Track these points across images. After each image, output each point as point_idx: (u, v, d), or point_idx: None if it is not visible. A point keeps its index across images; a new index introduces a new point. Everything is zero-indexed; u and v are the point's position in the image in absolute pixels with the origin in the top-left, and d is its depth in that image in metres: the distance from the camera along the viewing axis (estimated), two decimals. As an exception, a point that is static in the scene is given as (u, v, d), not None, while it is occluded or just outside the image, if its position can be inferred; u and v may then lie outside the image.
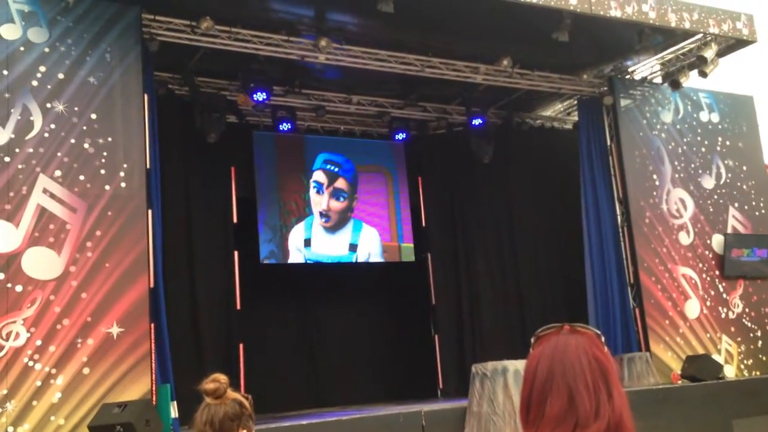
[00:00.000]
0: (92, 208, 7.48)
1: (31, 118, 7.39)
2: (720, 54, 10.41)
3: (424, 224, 12.47)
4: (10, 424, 6.72)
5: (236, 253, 10.51)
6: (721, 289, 11.24)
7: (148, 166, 7.97)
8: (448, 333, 12.12)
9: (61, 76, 7.60)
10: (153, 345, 7.59)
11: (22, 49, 7.47)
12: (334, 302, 11.95)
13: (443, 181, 12.55)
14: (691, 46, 10.63)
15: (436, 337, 12.15)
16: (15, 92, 7.35)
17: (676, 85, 10.84)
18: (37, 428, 6.82)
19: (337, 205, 11.72)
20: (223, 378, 2.51)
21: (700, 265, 11.14)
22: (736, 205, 11.76)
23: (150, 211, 7.90)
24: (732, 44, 10.48)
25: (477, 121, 11.69)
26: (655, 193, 11.00)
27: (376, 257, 11.90)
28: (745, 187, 11.93)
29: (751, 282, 11.51)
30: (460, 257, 12.37)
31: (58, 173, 7.40)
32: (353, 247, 11.70)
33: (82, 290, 7.27)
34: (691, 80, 10.89)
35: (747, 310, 11.38)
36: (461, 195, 12.52)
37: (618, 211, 10.92)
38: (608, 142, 11.17)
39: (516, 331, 11.81)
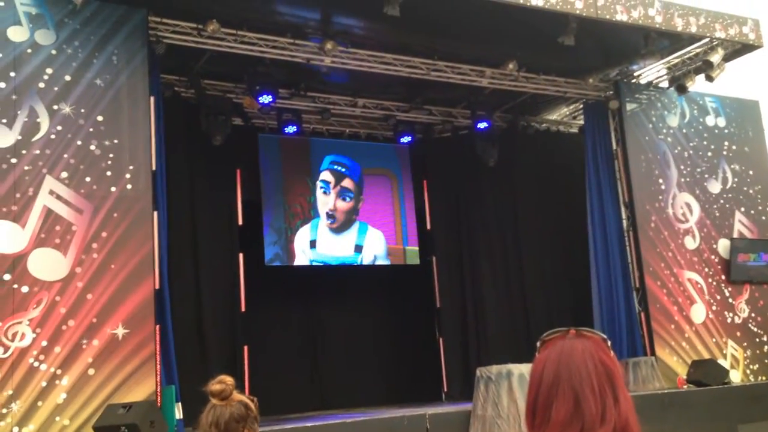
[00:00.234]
0: (98, 210, 7.50)
1: (38, 120, 7.42)
2: (726, 58, 10.39)
3: (429, 227, 12.46)
4: (15, 424, 6.74)
5: (241, 256, 10.51)
6: (727, 294, 11.20)
7: (153, 168, 7.99)
8: (453, 336, 12.10)
9: (67, 78, 7.63)
10: (158, 346, 7.61)
11: (29, 51, 7.50)
12: (339, 305, 11.96)
13: (448, 185, 12.54)
14: (698, 50, 10.62)
15: (441, 340, 12.13)
16: (22, 94, 7.38)
17: (682, 89, 10.83)
18: (42, 428, 6.84)
19: (344, 205, 11.74)
20: (229, 380, 2.52)
21: (706, 269, 11.11)
22: (743, 209, 11.73)
23: (156, 213, 7.92)
24: (738, 49, 10.46)
25: (482, 125, 11.68)
26: (660, 197, 10.98)
27: (382, 259, 11.90)
28: (751, 191, 11.90)
29: (758, 287, 11.47)
30: (465, 260, 12.36)
31: (64, 175, 7.42)
32: (359, 248, 11.72)
33: (88, 291, 7.29)
34: (698, 84, 10.87)
35: (753, 315, 11.34)
36: (466, 198, 12.51)
37: (623, 215, 10.90)
38: (614, 146, 11.16)
39: (521, 335, 11.79)
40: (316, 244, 11.40)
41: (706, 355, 10.61)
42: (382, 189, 12.16)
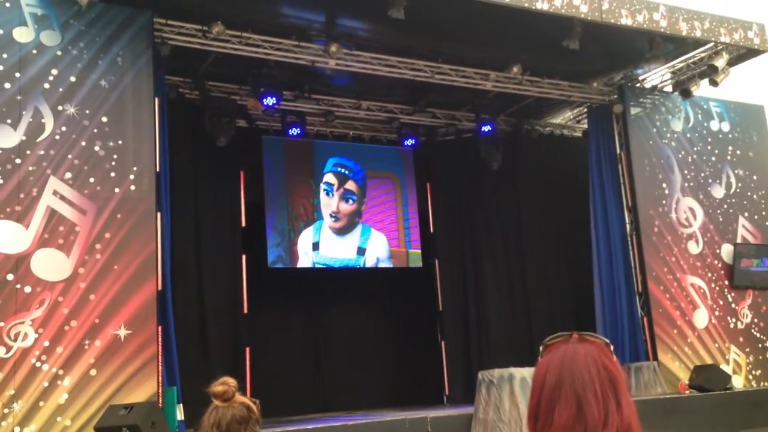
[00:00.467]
0: (102, 211, 7.52)
1: (43, 121, 7.44)
2: (731, 63, 10.38)
3: (432, 230, 12.46)
4: (16, 424, 6.74)
5: (244, 257, 10.53)
6: (730, 299, 11.18)
7: (157, 170, 8.00)
8: (455, 339, 12.10)
9: (72, 79, 7.65)
10: (160, 347, 7.62)
11: (34, 51, 7.53)
12: (341, 307, 11.96)
13: (452, 188, 12.55)
14: (702, 54, 10.61)
15: (443, 343, 12.13)
16: (27, 94, 7.40)
17: (686, 93, 10.82)
18: (44, 429, 6.85)
19: (347, 207, 11.75)
20: (231, 381, 2.52)
21: (709, 274, 11.09)
22: (746, 214, 11.71)
23: (159, 214, 7.94)
24: (743, 53, 10.45)
25: (486, 128, 11.68)
26: (664, 201, 10.97)
27: (384, 262, 11.91)
28: (755, 196, 11.88)
29: (761, 292, 11.45)
30: (467, 263, 12.36)
31: (68, 175, 7.44)
32: (361, 251, 11.73)
33: (91, 292, 7.30)
34: (702, 89, 10.86)
35: (756, 320, 11.31)
36: (469, 201, 12.51)
37: (627, 220, 10.89)
38: (618, 150, 11.15)
39: (523, 339, 11.78)
40: (319, 246, 11.41)
41: (709, 361, 10.58)
42: (386, 191, 12.17)
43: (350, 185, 11.84)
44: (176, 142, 9.15)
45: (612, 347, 1.47)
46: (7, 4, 7.50)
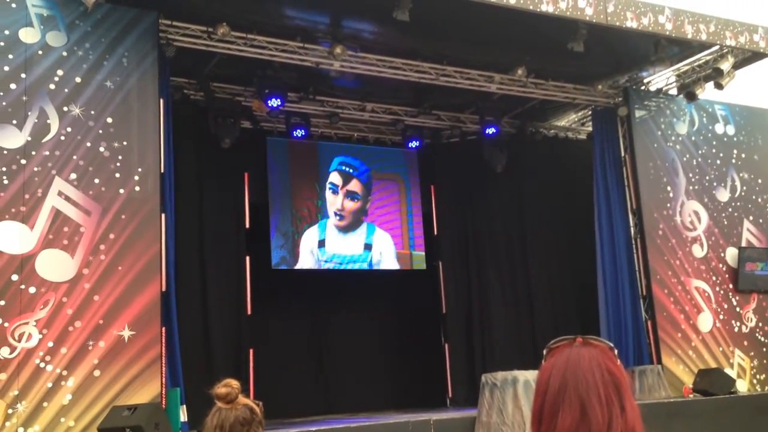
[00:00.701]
0: (106, 211, 7.53)
1: (48, 121, 7.45)
2: (736, 66, 10.37)
3: (435, 232, 12.45)
4: (20, 424, 6.76)
5: (248, 258, 10.53)
6: (735, 303, 11.15)
7: (162, 171, 8.02)
8: (458, 342, 12.08)
9: (78, 79, 7.67)
10: (164, 348, 7.62)
11: (40, 52, 7.55)
12: (345, 309, 11.96)
13: (456, 190, 12.54)
14: (708, 57, 10.59)
15: (446, 345, 12.12)
16: (32, 95, 7.42)
17: (691, 96, 10.80)
18: (48, 429, 6.86)
19: (351, 205, 11.79)
20: (235, 383, 2.52)
21: (714, 278, 11.06)
22: (751, 218, 11.68)
23: (163, 215, 7.95)
24: (748, 57, 10.43)
25: (491, 130, 11.67)
26: (669, 204, 10.95)
27: (389, 258, 11.90)
28: (760, 200, 11.85)
29: (765, 296, 11.41)
30: (471, 266, 12.35)
31: (73, 176, 7.45)
32: (368, 247, 11.77)
33: (95, 293, 7.31)
34: (707, 92, 10.84)
35: (760, 324, 11.28)
36: (473, 204, 12.51)
37: (631, 223, 10.87)
38: (622, 153, 11.13)
39: (526, 342, 11.76)
40: (325, 243, 11.43)
41: (713, 365, 10.55)
42: (390, 193, 12.17)
43: (354, 185, 11.86)
44: (181, 143, 9.17)
45: (616, 351, 1.46)
46: (14, 5, 7.53)
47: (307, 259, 11.29)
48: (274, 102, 10.06)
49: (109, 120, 7.75)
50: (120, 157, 7.72)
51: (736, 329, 11.04)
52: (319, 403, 11.35)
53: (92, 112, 7.68)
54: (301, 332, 11.81)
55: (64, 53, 7.67)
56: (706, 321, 10.80)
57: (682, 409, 8.93)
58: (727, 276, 11.18)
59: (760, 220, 11.76)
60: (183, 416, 7.59)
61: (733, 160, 11.77)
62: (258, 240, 10.80)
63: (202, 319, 9.92)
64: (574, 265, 12.17)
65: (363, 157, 12.00)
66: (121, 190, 7.65)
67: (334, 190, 11.70)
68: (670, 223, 10.87)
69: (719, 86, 10.35)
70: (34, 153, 7.32)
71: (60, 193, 7.36)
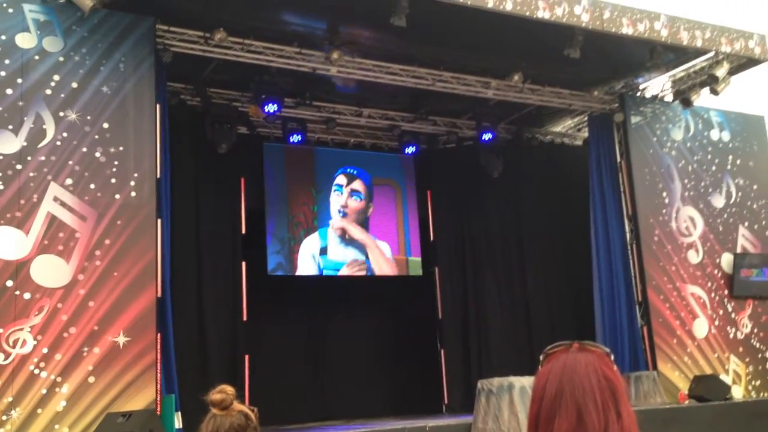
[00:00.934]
0: (102, 217, 7.51)
1: (44, 126, 7.44)
2: (732, 72, 10.40)
3: (432, 238, 12.45)
4: (14, 431, 6.72)
5: (244, 264, 10.52)
6: (730, 309, 11.16)
7: (158, 176, 8.00)
8: (455, 348, 12.07)
9: (74, 85, 7.66)
10: (159, 355, 7.60)
11: (36, 57, 7.54)
12: (340, 315, 11.94)
13: (452, 195, 12.55)
14: (703, 64, 10.63)
15: (442, 351, 12.10)
16: (29, 100, 7.41)
17: (687, 103, 10.83)
18: (42, 436, 6.83)
19: (355, 204, 11.86)
20: (229, 389, 2.51)
21: (709, 284, 11.07)
22: (746, 224, 11.70)
23: (159, 221, 7.93)
24: (744, 63, 10.47)
25: (487, 136, 11.68)
26: (664, 210, 10.97)
27: (386, 264, 11.92)
28: (755, 206, 11.88)
29: (760, 302, 11.43)
30: (467, 272, 12.35)
31: (69, 181, 7.44)
32: (368, 255, 11.80)
33: (90, 299, 7.29)
34: (702, 98, 10.88)
35: (756, 330, 11.29)
36: (470, 209, 12.51)
37: (627, 229, 10.89)
38: (618, 159, 11.16)
39: (523, 347, 11.75)
40: (327, 251, 11.44)
41: (708, 371, 10.56)
42: (386, 199, 12.18)
43: (357, 185, 11.95)
44: (177, 148, 9.16)
45: (612, 356, 1.46)
46: (10, 10, 7.52)
47: (308, 265, 11.28)
48: (271, 107, 10.06)
49: (106, 125, 7.74)
50: (116, 163, 7.71)
51: (732, 335, 11.05)
52: (315, 409, 11.32)
53: (88, 118, 7.67)
54: (297, 338, 11.78)
55: (61, 58, 7.66)
56: (701, 327, 10.81)
57: (678, 416, 8.92)
58: (722, 282, 11.20)
59: (756, 226, 11.79)
60: (178, 423, 7.56)
61: (729, 167, 11.80)
62: (254, 246, 10.78)
63: (197, 325, 9.90)
64: (570, 271, 12.18)
65: (360, 164, 12.04)
66: (117, 196, 7.64)
67: (340, 190, 11.76)
68: (666, 229, 10.89)
69: (714, 92, 10.39)
70: (29, 158, 7.31)
71: (55, 199, 7.34)
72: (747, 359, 11.05)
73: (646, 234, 10.69)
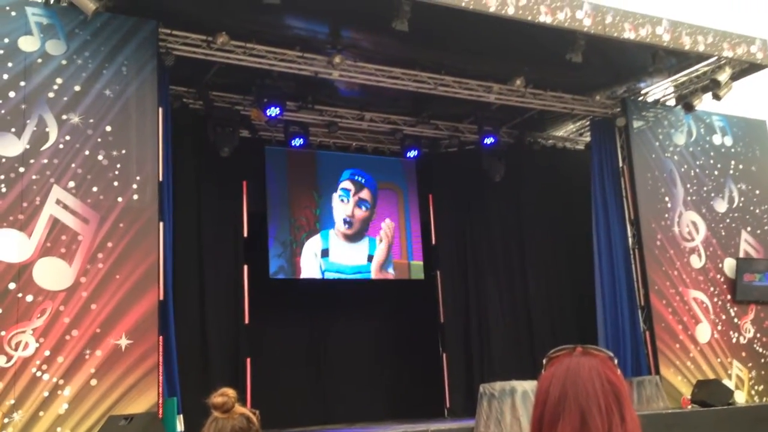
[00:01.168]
0: (104, 220, 7.52)
1: (47, 130, 7.45)
2: (734, 77, 10.39)
3: (434, 242, 12.45)
4: (16, 433, 6.72)
5: (246, 267, 10.52)
6: (733, 314, 11.14)
7: (160, 179, 8.01)
8: (456, 351, 12.06)
9: (77, 88, 7.67)
10: (161, 358, 7.59)
11: (39, 60, 7.56)
12: (342, 318, 11.93)
13: (454, 199, 12.55)
14: (705, 69, 10.62)
15: (444, 355, 12.09)
16: (31, 103, 7.43)
17: (689, 107, 10.83)
18: (44, 439, 6.82)
19: (360, 213, 11.85)
20: (231, 392, 2.51)
21: (712, 288, 11.06)
22: (749, 229, 11.69)
23: (161, 224, 7.94)
24: (746, 68, 10.46)
25: (489, 140, 11.69)
26: (666, 215, 10.96)
27: (388, 270, 11.92)
28: (757, 211, 11.86)
29: (763, 307, 11.41)
30: (469, 276, 12.34)
31: (71, 184, 7.45)
32: (371, 258, 11.79)
33: (92, 301, 7.29)
34: (705, 103, 10.87)
35: (758, 335, 11.27)
36: (471, 213, 12.51)
37: (629, 233, 10.88)
38: (620, 164, 11.16)
39: (525, 352, 11.74)
40: (329, 253, 11.44)
41: (711, 375, 10.54)
42: (388, 202, 12.18)
43: (365, 194, 11.95)
44: (179, 151, 9.17)
45: (616, 360, 1.46)
46: (13, 13, 7.54)
47: (309, 269, 11.28)
48: (273, 111, 10.08)
49: (108, 128, 7.75)
50: (118, 166, 7.72)
51: (734, 340, 11.03)
52: (317, 412, 11.31)
53: (91, 121, 7.68)
54: (299, 341, 11.77)
55: (64, 62, 7.68)
56: (704, 332, 10.79)
57: (680, 421, 8.90)
58: (725, 287, 11.18)
59: (758, 231, 11.77)
60: (180, 426, 7.56)
61: (731, 171, 11.79)
62: (256, 249, 10.79)
63: (199, 328, 9.90)
64: (573, 275, 12.17)
65: (368, 170, 12.04)
66: (120, 199, 7.64)
67: (346, 197, 11.75)
68: (668, 234, 10.88)
69: (717, 97, 10.39)
70: (32, 161, 7.32)
71: (58, 201, 7.35)
72: (750, 364, 11.03)
73: (648, 239, 10.68)
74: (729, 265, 11.29)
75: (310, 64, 9.54)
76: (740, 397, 10.63)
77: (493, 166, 11.93)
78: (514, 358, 11.66)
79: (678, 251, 10.89)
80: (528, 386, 7.89)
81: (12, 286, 6.99)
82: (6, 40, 7.44)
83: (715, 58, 10.19)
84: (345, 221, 11.67)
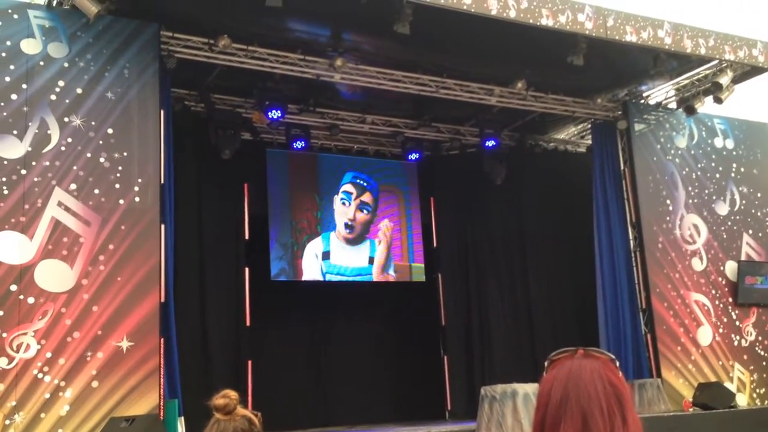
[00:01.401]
0: (106, 222, 7.53)
1: (49, 132, 7.47)
2: (735, 80, 10.40)
3: (435, 244, 12.45)
4: (17, 435, 6.72)
5: (247, 270, 10.52)
6: (734, 317, 11.13)
7: (162, 181, 8.02)
8: (458, 354, 12.05)
9: (79, 90, 7.69)
10: (162, 359, 7.60)
11: (41, 63, 7.57)
12: (344, 321, 11.93)
13: (455, 202, 12.55)
14: (707, 71, 10.63)
15: (446, 358, 12.09)
16: (33, 106, 7.44)
17: (690, 110, 10.83)
18: (45, 441, 6.83)
19: (362, 216, 11.85)
20: (233, 394, 2.51)
21: (713, 291, 11.05)
22: (750, 231, 11.68)
23: (163, 226, 7.95)
24: (747, 71, 10.46)
25: (490, 143, 11.69)
26: (668, 218, 10.95)
27: (389, 272, 11.92)
28: (759, 213, 11.86)
29: (765, 310, 11.40)
30: (470, 278, 12.33)
31: (73, 186, 7.46)
32: (372, 260, 11.78)
33: (94, 303, 7.30)
34: (706, 106, 10.87)
35: (760, 338, 11.26)
36: (473, 216, 12.51)
37: (631, 236, 10.87)
38: (622, 166, 11.15)
39: (526, 354, 11.73)
40: (330, 256, 11.44)
41: (713, 378, 10.52)
42: (390, 205, 12.18)
43: (367, 197, 11.95)
44: (181, 154, 9.18)
45: (617, 363, 1.46)
46: (15, 16, 7.56)
47: (311, 271, 11.28)
48: (275, 113, 10.09)
49: (110, 131, 7.76)
50: (120, 168, 7.73)
51: (736, 343, 11.02)
52: (318, 414, 11.30)
53: (93, 123, 7.69)
54: (300, 343, 11.77)
55: (66, 64, 7.69)
56: (705, 334, 10.78)
57: (682, 423, 8.89)
58: (726, 289, 11.17)
59: (760, 234, 11.77)
60: (181, 428, 7.56)
61: (733, 174, 11.78)
62: (257, 251, 10.79)
63: (200, 330, 9.90)
64: (574, 278, 12.16)
65: (370, 173, 12.05)
66: (121, 201, 7.65)
67: (347, 200, 11.74)
68: (670, 237, 10.87)
69: (718, 100, 10.39)
70: (34, 163, 7.33)
71: (60, 204, 7.36)
72: (751, 367, 11.02)
73: (649, 241, 10.68)
74: (730, 267, 11.28)
75: (311, 67, 9.55)
76: (742, 400, 10.62)
77: (495, 169, 11.92)
78: (515, 360, 11.65)
79: (679, 254, 10.88)
80: (529, 389, 7.89)
81: (13, 287, 6.99)
82: (8, 43, 7.45)
83: (717, 60, 10.19)
84: (346, 225, 11.66)
